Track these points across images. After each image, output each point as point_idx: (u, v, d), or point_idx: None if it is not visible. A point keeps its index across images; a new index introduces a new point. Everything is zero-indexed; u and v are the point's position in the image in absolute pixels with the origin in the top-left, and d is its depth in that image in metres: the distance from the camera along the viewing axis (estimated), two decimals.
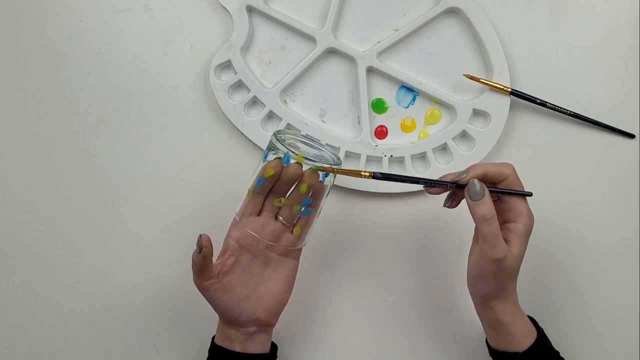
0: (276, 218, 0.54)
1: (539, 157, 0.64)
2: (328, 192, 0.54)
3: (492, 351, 0.53)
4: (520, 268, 0.51)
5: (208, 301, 0.53)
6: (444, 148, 0.63)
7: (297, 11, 0.64)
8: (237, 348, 0.54)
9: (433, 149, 0.63)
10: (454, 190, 0.51)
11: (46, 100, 0.65)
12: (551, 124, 0.64)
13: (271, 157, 0.52)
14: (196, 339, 0.62)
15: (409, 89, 0.64)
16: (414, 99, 0.64)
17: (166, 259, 0.64)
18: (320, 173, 0.52)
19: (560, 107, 0.63)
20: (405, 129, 0.64)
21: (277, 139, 0.52)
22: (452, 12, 0.64)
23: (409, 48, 0.64)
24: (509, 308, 0.51)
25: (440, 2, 0.63)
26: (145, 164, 0.65)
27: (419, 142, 0.63)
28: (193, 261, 0.50)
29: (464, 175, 0.50)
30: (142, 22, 0.65)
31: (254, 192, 0.53)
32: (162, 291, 0.64)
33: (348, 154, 0.63)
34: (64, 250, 0.64)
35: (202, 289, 0.52)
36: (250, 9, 0.64)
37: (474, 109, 0.63)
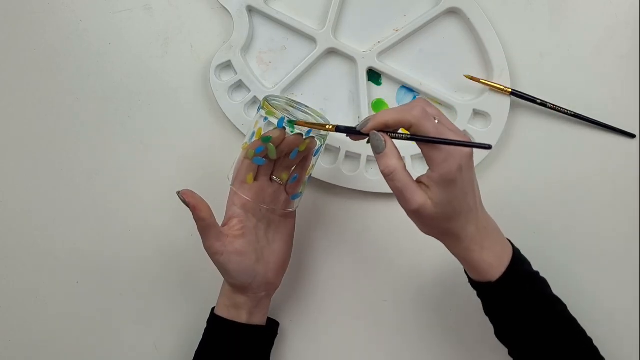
0: (271, 179, 0.55)
1: (539, 157, 0.64)
2: (319, 150, 0.55)
3: (469, 279, 0.52)
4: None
5: (221, 267, 0.53)
6: None
7: (297, 11, 0.64)
8: (244, 317, 0.55)
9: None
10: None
11: (46, 100, 0.65)
12: (551, 124, 0.64)
13: (261, 121, 0.53)
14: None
15: (409, 89, 0.64)
16: (414, 99, 0.64)
17: (166, 259, 0.64)
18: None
19: (560, 107, 0.63)
20: (405, 129, 0.64)
21: (270, 105, 0.53)
22: (452, 12, 0.64)
23: (409, 48, 0.64)
24: (461, 245, 0.48)
25: (440, 3, 0.63)
26: (145, 163, 0.65)
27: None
28: (196, 223, 0.51)
29: (365, 123, 0.47)
30: (142, 22, 0.65)
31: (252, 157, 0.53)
32: (162, 291, 0.64)
33: (348, 154, 0.63)
34: (64, 250, 0.64)
35: (216, 253, 0.52)
36: (250, 9, 0.64)
37: (474, 110, 0.63)
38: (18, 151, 0.65)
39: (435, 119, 0.46)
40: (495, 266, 0.49)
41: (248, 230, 0.54)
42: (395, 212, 0.64)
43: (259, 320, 0.57)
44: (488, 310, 0.52)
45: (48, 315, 0.64)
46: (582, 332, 0.51)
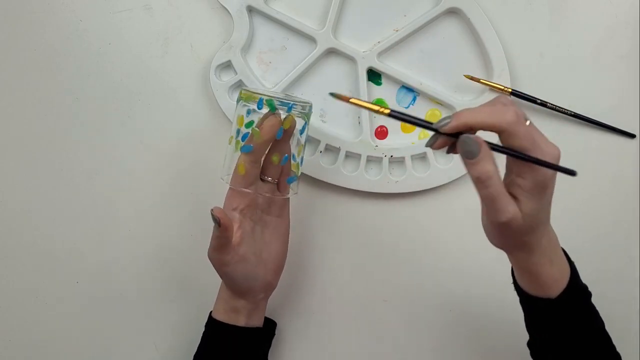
0: (262, 180, 0.55)
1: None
2: (304, 129, 0.55)
3: (521, 292, 0.49)
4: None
5: (225, 276, 0.53)
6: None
7: (297, 11, 0.64)
8: (242, 320, 0.55)
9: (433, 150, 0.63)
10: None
11: (46, 100, 0.65)
12: (551, 124, 0.64)
13: (243, 111, 0.53)
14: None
15: (409, 89, 0.64)
16: (414, 100, 0.64)
17: (167, 258, 0.64)
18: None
19: (560, 107, 0.63)
20: (406, 129, 0.64)
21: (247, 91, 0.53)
22: (453, 12, 0.64)
23: (409, 48, 0.64)
24: (533, 259, 0.45)
25: (440, 3, 0.63)
26: (145, 163, 0.64)
27: (419, 142, 0.63)
28: (215, 237, 0.51)
29: (447, 121, 0.42)
30: (142, 22, 0.65)
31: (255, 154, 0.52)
32: (162, 291, 0.64)
33: (348, 154, 0.63)
34: (64, 250, 0.64)
35: (223, 265, 0.52)
36: (250, 9, 0.64)
37: None
38: (18, 151, 0.65)
39: (526, 120, 0.42)
40: (558, 282, 0.46)
41: (246, 234, 0.53)
42: (395, 212, 0.64)
43: (257, 322, 0.57)
44: (535, 323, 0.49)
45: (48, 315, 0.64)
46: (614, 347, 0.50)
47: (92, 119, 0.65)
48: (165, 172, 0.64)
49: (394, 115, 0.42)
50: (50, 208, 0.64)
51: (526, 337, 0.51)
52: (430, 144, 0.44)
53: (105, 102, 0.65)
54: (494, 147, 0.42)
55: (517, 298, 0.50)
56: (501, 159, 0.43)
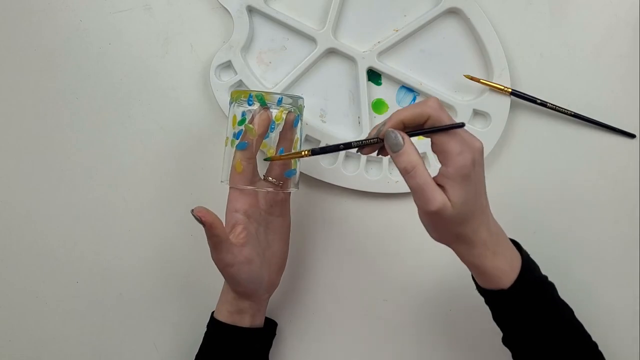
0: (265, 180, 0.55)
1: (539, 157, 0.64)
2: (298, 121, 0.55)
3: (478, 286, 0.51)
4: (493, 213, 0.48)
5: (231, 278, 0.52)
6: None
7: (297, 11, 0.64)
8: (247, 321, 0.55)
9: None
10: (382, 143, 0.47)
11: (46, 100, 0.65)
12: (551, 124, 0.64)
13: (236, 111, 0.53)
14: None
15: (409, 89, 0.64)
16: (414, 100, 0.64)
17: (167, 258, 0.64)
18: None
19: (560, 107, 0.63)
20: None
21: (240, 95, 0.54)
22: (453, 12, 0.64)
23: (409, 48, 0.64)
24: (474, 251, 0.47)
25: (440, 3, 0.63)
26: (145, 163, 0.64)
27: (419, 142, 0.62)
28: (208, 238, 0.50)
29: (381, 126, 0.46)
30: (142, 22, 0.65)
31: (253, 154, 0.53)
32: (162, 291, 0.64)
33: (348, 154, 0.63)
34: (64, 250, 0.64)
35: (226, 265, 0.51)
36: (250, 9, 0.64)
37: (474, 110, 0.63)
38: (18, 151, 0.65)
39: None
40: (507, 273, 0.48)
41: (251, 236, 0.53)
42: (395, 212, 0.64)
43: (260, 322, 0.57)
44: (498, 317, 0.51)
45: (48, 315, 0.64)
46: (587, 337, 0.50)
47: (92, 119, 0.65)
48: (166, 172, 0.64)
49: (316, 153, 0.49)
50: (50, 208, 0.64)
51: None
52: (360, 151, 0.48)
53: (105, 102, 0.65)
54: (413, 133, 0.46)
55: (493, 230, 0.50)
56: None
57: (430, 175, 0.45)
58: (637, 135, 0.64)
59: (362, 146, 0.48)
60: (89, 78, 0.65)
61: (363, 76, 0.63)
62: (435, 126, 0.45)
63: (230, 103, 0.55)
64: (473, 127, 0.63)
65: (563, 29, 0.65)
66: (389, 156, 0.47)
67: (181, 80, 0.65)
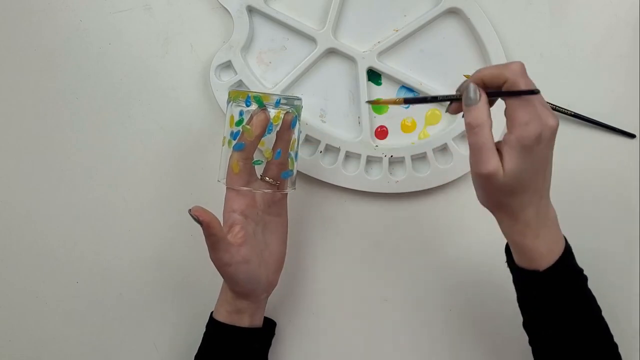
0: (262, 179, 0.55)
1: None
2: (295, 123, 0.55)
3: (511, 262, 0.50)
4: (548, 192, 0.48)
5: (229, 278, 0.52)
6: (444, 148, 0.63)
7: (297, 11, 0.64)
8: (246, 321, 0.55)
9: (433, 149, 0.63)
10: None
11: (46, 100, 0.65)
12: None
13: (234, 110, 0.53)
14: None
15: (410, 89, 0.64)
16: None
17: (166, 258, 0.64)
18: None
19: (560, 107, 0.63)
20: (406, 129, 0.64)
21: (238, 95, 0.53)
22: (453, 12, 0.64)
23: (409, 48, 0.64)
24: (516, 227, 0.47)
25: (440, 3, 0.63)
26: (145, 163, 0.65)
27: (419, 142, 0.63)
28: (205, 238, 0.50)
29: (465, 83, 0.46)
30: (142, 22, 0.65)
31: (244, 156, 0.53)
32: (162, 291, 0.64)
33: (348, 154, 0.63)
34: (64, 250, 0.64)
35: (224, 265, 0.51)
36: (250, 9, 0.64)
37: None
38: (18, 151, 0.65)
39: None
40: (545, 256, 0.47)
41: (249, 236, 0.53)
42: (395, 212, 0.64)
43: (259, 322, 0.57)
44: (524, 298, 0.50)
45: (48, 315, 0.64)
46: (611, 336, 0.50)
47: (92, 119, 0.65)
48: (165, 172, 0.64)
49: (409, 101, 0.49)
50: (50, 208, 0.64)
51: (527, 337, 0.51)
52: (448, 109, 0.48)
53: (105, 102, 0.65)
54: (491, 93, 0.45)
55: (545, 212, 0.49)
56: None
57: (493, 138, 0.44)
58: (637, 135, 0.64)
59: (448, 100, 0.47)
60: (89, 78, 0.65)
61: (363, 76, 0.63)
62: (510, 90, 0.44)
63: (228, 102, 0.55)
64: None
65: (563, 29, 0.65)
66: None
67: (181, 80, 0.65)
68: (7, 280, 0.64)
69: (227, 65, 0.64)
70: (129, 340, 0.64)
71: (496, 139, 0.46)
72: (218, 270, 0.52)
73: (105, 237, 0.64)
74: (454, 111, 0.48)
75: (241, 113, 0.54)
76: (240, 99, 0.53)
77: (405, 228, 0.64)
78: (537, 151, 0.44)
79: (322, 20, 0.64)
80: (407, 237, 0.64)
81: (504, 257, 0.51)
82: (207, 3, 0.65)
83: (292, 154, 0.55)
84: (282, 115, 0.53)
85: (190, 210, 0.49)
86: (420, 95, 0.49)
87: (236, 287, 0.54)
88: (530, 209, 0.46)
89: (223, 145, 0.55)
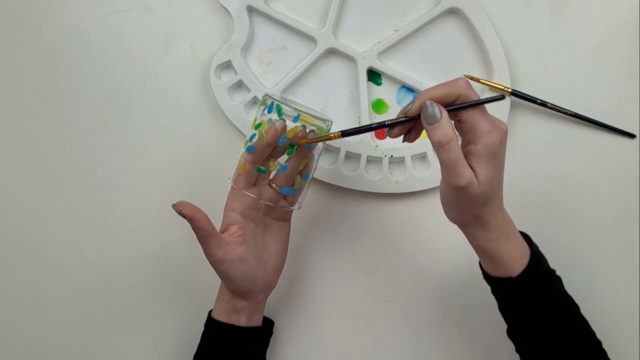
0: (270, 185, 0.55)
1: (539, 157, 0.64)
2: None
3: (486, 275, 0.51)
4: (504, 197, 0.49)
5: (223, 275, 0.52)
6: None
7: (297, 11, 0.64)
8: (244, 320, 0.55)
9: (433, 150, 0.62)
10: (413, 123, 0.48)
11: (46, 100, 0.65)
12: (551, 124, 0.64)
13: (262, 115, 0.53)
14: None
15: (409, 89, 0.64)
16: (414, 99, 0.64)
17: (166, 258, 0.64)
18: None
19: (560, 107, 0.63)
20: None
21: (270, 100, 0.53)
22: (453, 12, 0.64)
23: (409, 48, 0.64)
24: (490, 235, 0.48)
25: (440, 3, 0.63)
26: (145, 163, 0.65)
27: (419, 142, 0.63)
28: (195, 233, 0.50)
29: (409, 107, 0.47)
30: (142, 22, 0.65)
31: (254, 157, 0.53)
32: (162, 291, 0.64)
33: (348, 154, 0.63)
34: (64, 250, 0.64)
35: (218, 262, 0.51)
36: (250, 9, 0.64)
37: None
38: (18, 151, 0.65)
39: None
40: (518, 260, 0.48)
41: (247, 236, 0.53)
42: (395, 212, 0.64)
43: (257, 321, 0.57)
44: (504, 307, 0.51)
45: (48, 315, 0.64)
46: (592, 333, 0.50)
47: (92, 119, 0.65)
48: (165, 171, 0.64)
49: (347, 134, 0.49)
50: (50, 208, 0.64)
51: None
52: (389, 133, 0.48)
53: (105, 102, 0.65)
54: (450, 109, 0.46)
55: (506, 218, 0.50)
56: None
57: (461, 150, 0.45)
58: (637, 135, 0.64)
59: (395, 124, 0.48)
60: (89, 78, 0.65)
61: (363, 76, 0.63)
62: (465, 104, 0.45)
63: (260, 106, 0.54)
64: None
65: (563, 29, 0.65)
66: (411, 142, 0.48)
67: (181, 80, 0.65)
68: (7, 280, 0.64)
69: (227, 65, 0.64)
70: (129, 340, 0.64)
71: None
72: (212, 266, 0.52)
73: (105, 237, 0.64)
74: (397, 135, 0.48)
75: (264, 109, 0.53)
76: (267, 104, 0.53)
77: (405, 228, 0.64)
78: (500, 156, 0.46)
79: (322, 20, 0.64)
80: (407, 237, 0.64)
81: None
82: (207, 3, 0.65)
83: (305, 177, 0.54)
84: (298, 131, 0.52)
85: (174, 204, 0.50)
86: (363, 125, 0.48)
87: (232, 285, 0.54)
88: (498, 215, 0.48)
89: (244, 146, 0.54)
